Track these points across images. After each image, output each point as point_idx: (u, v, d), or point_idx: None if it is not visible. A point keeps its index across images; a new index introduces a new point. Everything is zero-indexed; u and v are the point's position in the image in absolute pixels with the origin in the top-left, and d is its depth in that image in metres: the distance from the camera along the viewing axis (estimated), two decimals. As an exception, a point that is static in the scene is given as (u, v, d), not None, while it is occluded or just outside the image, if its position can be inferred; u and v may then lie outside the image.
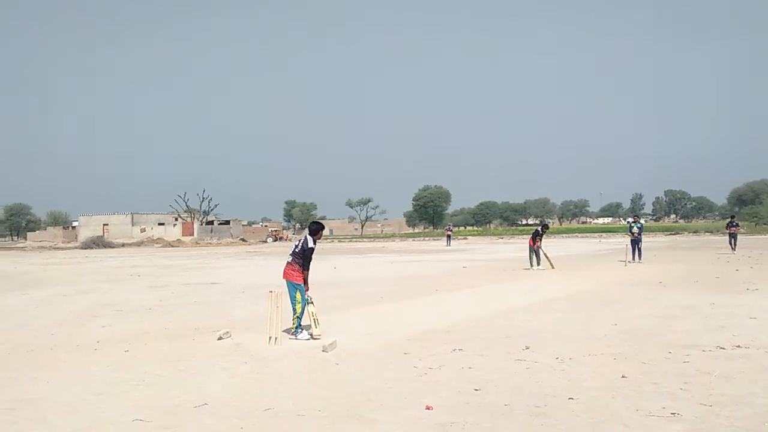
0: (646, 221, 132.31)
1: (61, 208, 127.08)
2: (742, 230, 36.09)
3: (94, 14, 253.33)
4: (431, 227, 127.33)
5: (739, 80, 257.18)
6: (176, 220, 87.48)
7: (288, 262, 9.39)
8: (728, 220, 32.38)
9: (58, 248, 70.41)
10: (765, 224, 74.42)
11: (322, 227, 9.80)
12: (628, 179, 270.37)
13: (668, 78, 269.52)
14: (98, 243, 70.26)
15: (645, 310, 11.33)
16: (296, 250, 9.40)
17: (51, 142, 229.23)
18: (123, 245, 71.68)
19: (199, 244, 73.49)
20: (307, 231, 9.63)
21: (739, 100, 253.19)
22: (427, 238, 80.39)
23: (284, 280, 9.41)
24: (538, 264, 22.33)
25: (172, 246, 69.80)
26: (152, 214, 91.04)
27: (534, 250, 22.51)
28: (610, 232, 78.48)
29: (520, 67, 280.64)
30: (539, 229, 23.30)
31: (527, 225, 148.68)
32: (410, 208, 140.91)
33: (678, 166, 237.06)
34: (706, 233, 64.75)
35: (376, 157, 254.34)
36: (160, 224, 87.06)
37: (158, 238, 78.39)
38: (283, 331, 9.06)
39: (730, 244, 30.29)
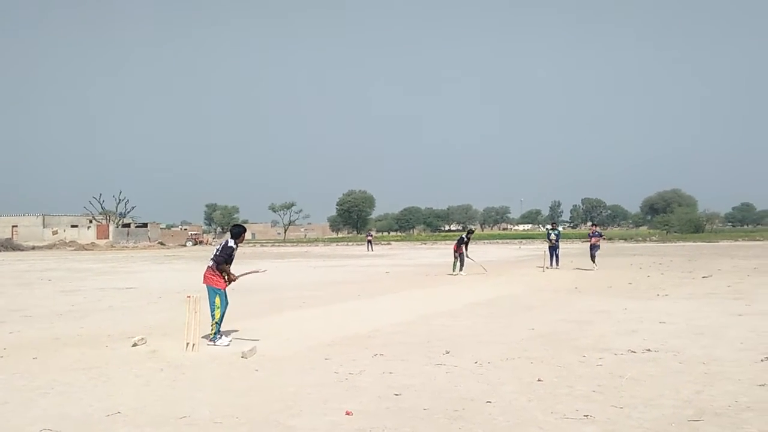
0: (563, 228, 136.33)
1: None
2: (605, 239, 28.37)
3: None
4: (355, 232, 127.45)
5: (651, 92, 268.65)
6: (90, 222, 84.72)
7: (209, 267, 9.19)
8: (589, 228, 26.78)
9: (-37, 251, 67.00)
10: (676, 232, 77.75)
11: (244, 230, 9.65)
12: (547, 187, 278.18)
13: (584, 89, 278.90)
14: (6, 245, 67.09)
15: (561, 315, 11.64)
16: (217, 253, 9.21)
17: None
18: (33, 248, 68.76)
19: (115, 248, 71.19)
20: (228, 234, 9.45)
21: (652, 111, 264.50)
22: (351, 243, 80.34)
23: (204, 285, 9.21)
24: (461, 270, 22.46)
25: (86, 249, 67.35)
26: (65, 215, 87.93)
27: (458, 256, 22.67)
28: (529, 238, 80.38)
29: (444, 75, 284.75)
30: (464, 236, 23.43)
31: (450, 231, 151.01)
32: (334, 212, 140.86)
33: (594, 175, 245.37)
34: (621, 240, 67.10)
35: (300, 161, 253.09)
36: (73, 226, 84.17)
37: (71, 241, 75.67)
38: (202, 337, 8.86)
39: (592, 259, 24.33)
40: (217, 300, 8.98)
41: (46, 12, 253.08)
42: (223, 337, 8.96)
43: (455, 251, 22.89)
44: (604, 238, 25.91)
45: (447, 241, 78.10)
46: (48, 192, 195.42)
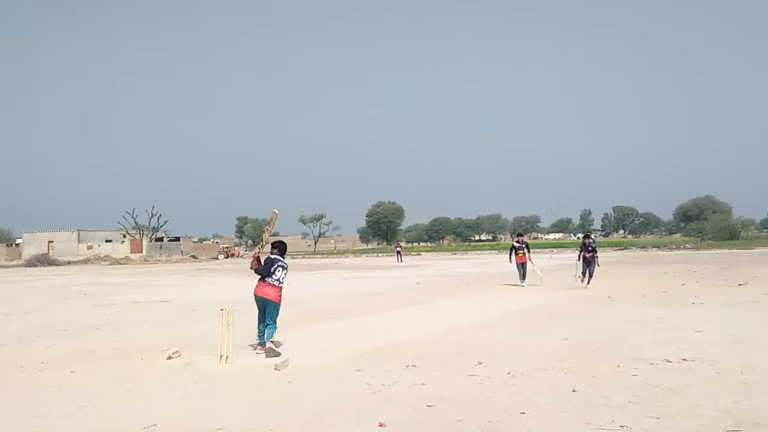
0: (595, 237, 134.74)
1: (3, 224, 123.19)
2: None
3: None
4: (385, 243, 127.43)
5: (684, 97, 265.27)
6: (124, 236, 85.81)
7: (281, 287, 9.41)
8: (582, 237, 21.85)
9: (1, 266, 68.31)
10: (710, 239, 76.55)
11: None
12: (577, 195, 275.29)
13: (615, 96, 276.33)
14: (43, 261, 68.39)
15: (595, 325, 11.52)
16: (284, 276, 9.41)
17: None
18: (69, 263, 69.92)
19: (148, 261, 72.16)
20: (276, 252, 9.57)
21: (684, 116, 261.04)
22: (380, 254, 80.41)
23: (274, 300, 9.31)
24: (523, 279, 20.94)
25: (120, 263, 68.33)
26: (99, 230, 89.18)
27: (521, 266, 21.09)
28: (560, 247, 79.73)
29: (473, 85, 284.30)
30: (514, 243, 21.82)
31: (480, 241, 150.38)
32: (364, 224, 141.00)
33: (626, 182, 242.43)
34: (654, 248, 66.27)
35: (330, 173, 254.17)
36: (107, 241, 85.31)
37: (106, 256, 76.73)
38: (268, 344, 9.01)
39: (584, 273, 20.04)
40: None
41: (78, 24, 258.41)
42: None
43: (520, 262, 21.09)
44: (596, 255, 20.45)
45: (477, 251, 77.86)
46: (82, 208, 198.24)
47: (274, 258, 9.44)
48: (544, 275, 22.15)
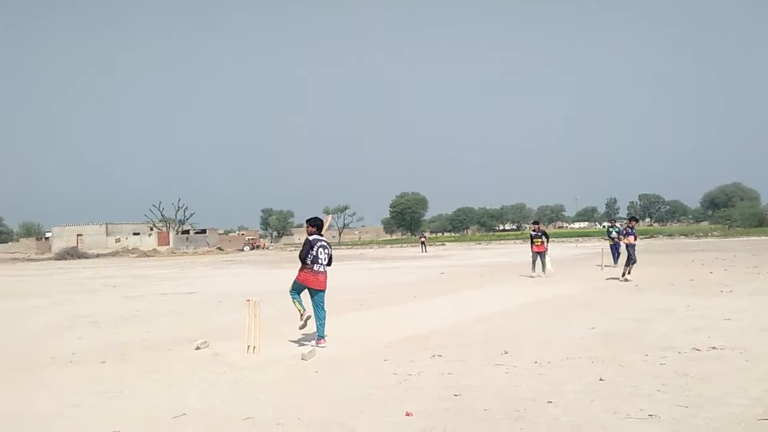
0: (621, 225, 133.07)
1: (33, 218, 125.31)
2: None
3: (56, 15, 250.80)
4: (409, 234, 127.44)
5: (710, 83, 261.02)
6: (151, 229, 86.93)
7: (323, 273, 9.23)
8: (629, 219, 19.65)
9: (32, 260, 69.46)
10: (738, 227, 75.53)
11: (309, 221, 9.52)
12: (602, 184, 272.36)
13: (641, 83, 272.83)
14: (72, 254, 69.40)
15: (622, 313, 11.43)
16: (329, 256, 9.22)
17: (22, 150, 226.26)
18: (98, 256, 70.83)
19: (175, 254, 72.87)
20: (315, 230, 9.25)
21: (712, 104, 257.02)
22: (404, 245, 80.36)
23: (322, 290, 9.24)
24: (543, 270, 20.13)
25: (148, 256, 69.11)
26: (127, 224, 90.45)
27: (535, 255, 20.33)
28: (586, 236, 79.12)
29: (495, 74, 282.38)
30: (531, 232, 20.87)
31: (504, 230, 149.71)
32: (388, 215, 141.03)
33: (651, 170, 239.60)
34: (681, 236, 65.52)
35: (354, 164, 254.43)
36: (135, 234, 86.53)
37: (133, 248, 77.72)
38: (320, 341, 9.09)
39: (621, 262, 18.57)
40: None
41: (80, 23, 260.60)
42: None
43: (538, 251, 20.23)
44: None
45: (501, 241, 77.53)
46: (110, 201, 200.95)
47: (314, 239, 9.12)
48: (567, 265, 21.82)
